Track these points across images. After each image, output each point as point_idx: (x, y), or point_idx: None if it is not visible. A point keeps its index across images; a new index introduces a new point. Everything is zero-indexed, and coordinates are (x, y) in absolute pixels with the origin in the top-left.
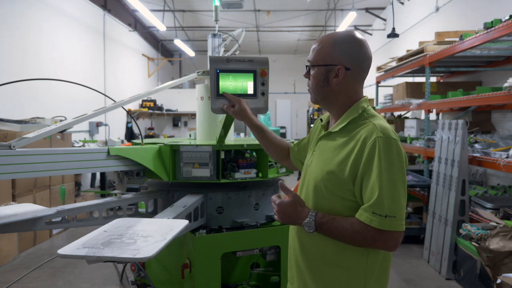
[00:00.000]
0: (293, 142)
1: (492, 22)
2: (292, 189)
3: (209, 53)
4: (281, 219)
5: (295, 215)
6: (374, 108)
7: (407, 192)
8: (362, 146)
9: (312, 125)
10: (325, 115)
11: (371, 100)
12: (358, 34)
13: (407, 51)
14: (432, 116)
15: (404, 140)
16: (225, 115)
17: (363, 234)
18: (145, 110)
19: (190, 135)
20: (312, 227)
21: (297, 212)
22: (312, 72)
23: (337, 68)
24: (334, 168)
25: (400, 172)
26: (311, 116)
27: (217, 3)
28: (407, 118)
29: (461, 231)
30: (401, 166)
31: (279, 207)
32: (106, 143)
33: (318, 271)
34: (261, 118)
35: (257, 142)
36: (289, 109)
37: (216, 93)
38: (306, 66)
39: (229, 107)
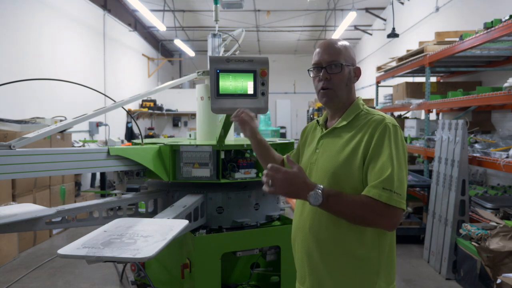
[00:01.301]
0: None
1: (492, 22)
2: None
3: (209, 53)
4: (283, 188)
5: (300, 186)
6: (373, 108)
7: (408, 192)
8: (372, 132)
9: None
10: (322, 117)
11: (371, 100)
12: None
13: (407, 51)
14: (432, 116)
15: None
16: (225, 115)
17: (371, 208)
18: (145, 110)
19: (190, 135)
20: (319, 198)
21: (304, 183)
22: (339, 71)
23: (355, 68)
24: (345, 159)
25: (404, 157)
26: (311, 116)
27: (217, 3)
28: (407, 118)
29: (461, 231)
30: (405, 152)
31: (285, 175)
32: (106, 143)
33: (336, 265)
34: (261, 118)
35: None
36: (289, 109)
37: (216, 93)
38: (333, 65)
39: (242, 122)
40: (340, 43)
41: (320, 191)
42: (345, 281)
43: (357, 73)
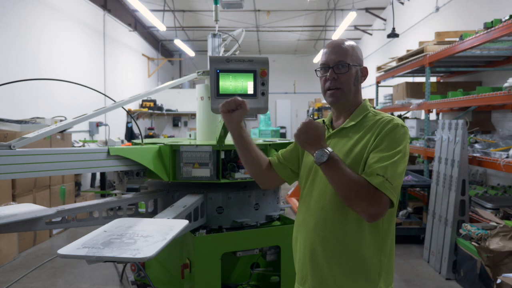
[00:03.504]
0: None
1: (492, 22)
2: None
3: (209, 53)
4: (300, 132)
5: (313, 139)
6: (373, 108)
7: (408, 192)
8: (380, 129)
9: None
10: (327, 117)
11: (371, 100)
12: None
13: (407, 51)
14: (432, 116)
15: None
16: None
17: (359, 187)
18: (145, 110)
19: (190, 135)
20: (324, 157)
21: (318, 139)
22: (346, 70)
23: (362, 68)
24: (354, 160)
25: (406, 156)
26: (311, 116)
27: (217, 3)
28: (407, 118)
29: (461, 231)
30: (407, 153)
31: (308, 123)
32: (106, 143)
33: (339, 264)
34: (261, 118)
35: (257, 142)
36: (289, 109)
37: (216, 93)
38: (340, 65)
39: (229, 110)
40: (347, 43)
41: (327, 152)
42: (348, 281)
43: (364, 73)
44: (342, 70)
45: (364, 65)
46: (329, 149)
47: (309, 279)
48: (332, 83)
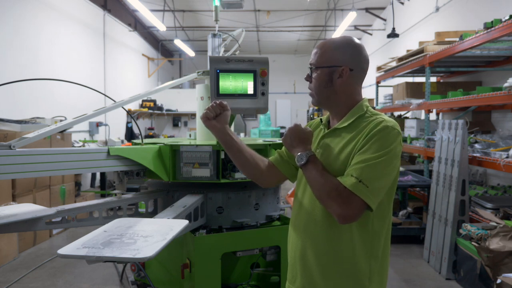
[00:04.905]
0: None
1: (492, 22)
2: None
3: (209, 53)
4: (287, 134)
5: (298, 142)
6: (374, 108)
7: (408, 192)
8: (369, 131)
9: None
10: (325, 116)
11: (371, 100)
12: (357, 39)
13: (407, 51)
14: (432, 116)
15: (404, 140)
16: None
17: (333, 187)
18: (145, 110)
19: (190, 135)
20: (302, 159)
21: (302, 142)
22: (315, 74)
23: (341, 69)
24: (343, 162)
25: (392, 159)
26: (311, 116)
27: (217, 3)
28: (407, 118)
29: (461, 231)
30: (394, 156)
31: (295, 127)
32: (106, 143)
33: (328, 266)
34: (261, 118)
35: (257, 142)
36: (289, 109)
37: (216, 93)
38: (310, 68)
39: (209, 115)
40: (328, 43)
41: (307, 155)
42: (336, 282)
43: (342, 73)
44: (313, 73)
45: None
46: (311, 153)
47: (299, 278)
48: (309, 86)
